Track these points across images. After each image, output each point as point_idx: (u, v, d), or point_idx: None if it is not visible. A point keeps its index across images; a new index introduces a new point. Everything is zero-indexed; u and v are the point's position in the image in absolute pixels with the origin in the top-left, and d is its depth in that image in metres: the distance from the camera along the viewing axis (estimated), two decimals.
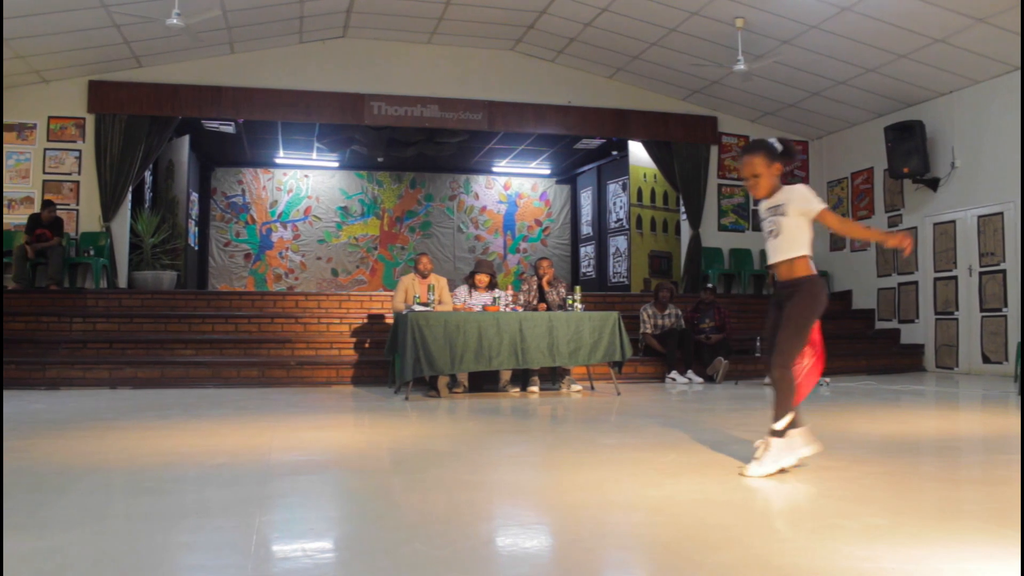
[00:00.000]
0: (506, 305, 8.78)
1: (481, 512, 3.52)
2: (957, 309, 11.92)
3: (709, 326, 10.56)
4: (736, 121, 14.63)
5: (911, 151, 12.08)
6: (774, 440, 4.02)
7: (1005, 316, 11.16)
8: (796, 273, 4.08)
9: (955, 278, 11.99)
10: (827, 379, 10.03)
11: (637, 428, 6.25)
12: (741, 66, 10.89)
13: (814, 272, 4.12)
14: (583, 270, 18.37)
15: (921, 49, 11.00)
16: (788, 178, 4.26)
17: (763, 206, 4.23)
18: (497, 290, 9.13)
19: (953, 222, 11.99)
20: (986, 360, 11.40)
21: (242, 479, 4.04)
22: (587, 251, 18.23)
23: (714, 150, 14.51)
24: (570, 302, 8.78)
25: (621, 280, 16.17)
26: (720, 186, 14.56)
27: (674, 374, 10.17)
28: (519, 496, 3.90)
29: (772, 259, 4.16)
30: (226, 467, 4.36)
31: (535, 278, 9.49)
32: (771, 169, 4.14)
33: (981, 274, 11.58)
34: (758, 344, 10.94)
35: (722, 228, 14.54)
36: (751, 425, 6.19)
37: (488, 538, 3.11)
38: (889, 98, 12.73)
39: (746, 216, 14.70)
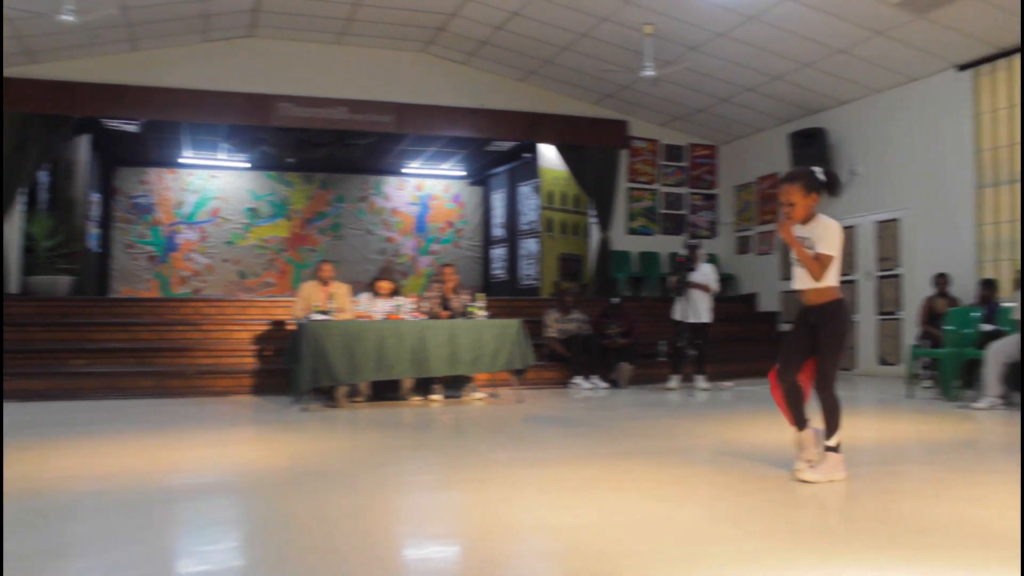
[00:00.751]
0: (409, 313, 8.66)
1: (378, 543, 3.40)
2: (856, 312, 12.20)
3: (616, 331, 10.60)
4: (646, 125, 14.74)
5: (814, 157, 12.25)
6: (830, 454, 4.33)
7: (901, 319, 11.45)
8: (825, 298, 4.33)
9: (855, 282, 12.26)
10: (730, 382, 10.19)
11: (537, 440, 6.22)
12: (650, 72, 10.94)
13: (841, 297, 4.37)
14: (495, 272, 18.32)
15: (824, 59, 11.22)
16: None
17: (796, 231, 4.37)
18: (399, 297, 9.01)
19: (853, 227, 12.26)
20: (883, 362, 11.70)
21: (135, 504, 3.87)
22: (499, 254, 18.19)
23: (624, 154, 14.60)
24: (471, 309, 8.71)
25: (532, 283, 16.18)
26: (630, 189, 14.65)
27: (578, 380, 10.17)
28: (419, 523, 3.83)
29: (798, 285, 4.43)
30: (108, 493, 4.16)
31: (439, 285, 9.40)
32: (807, 199, 4.30)
33: (879, 278, 11.87)
34: (661, 349, 11.06)
35: (631, 231, 14.64)
36: (655, 435, 6.21)
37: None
38: (794, 105, 12.96)
39: (655, 219, 14.82)
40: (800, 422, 4.50)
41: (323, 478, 4.69)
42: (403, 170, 18.24)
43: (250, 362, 10.22)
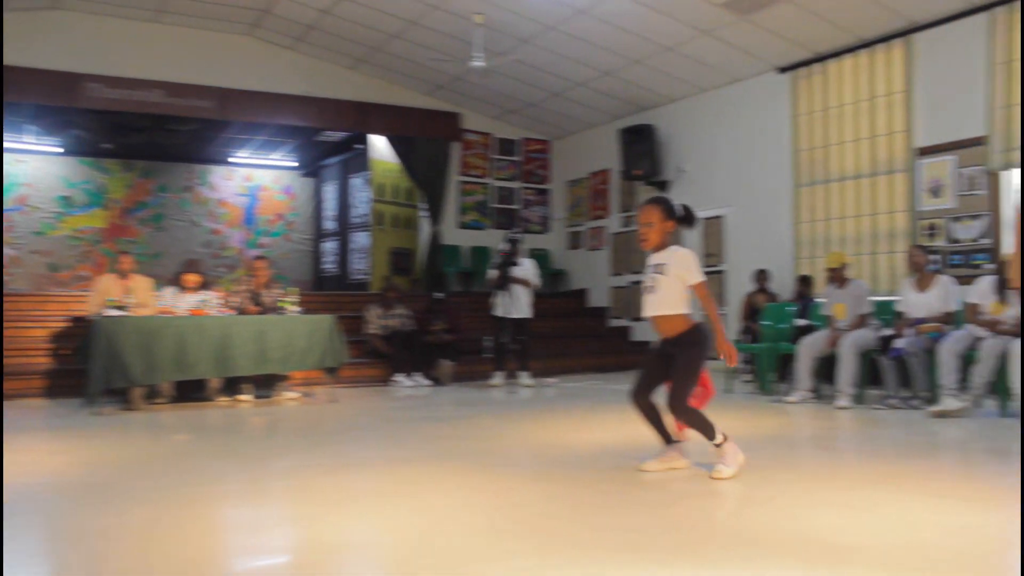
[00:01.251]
0: (216, 308, 8.11)
1: (195, 559, 3.01)
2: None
3: (440, 328, 10.31)
4: (479, 118, 14.52)
5: (643, 154, 12.38)
6: (726, 445, 4.37)
7: (724, 315, 11.64)
8: (678, 329, 4.40)
9: None
10: (554, 379, 10.05)
11: (345, 443, 5.86)
12: (479, 63, 10.69)
13: (694, 323, 4.42)
14: (326, 267, 17.73)
15: (652, 56, 11.25)
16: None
17: (649, 260, 4.50)
18: (206, 292, 8.43)
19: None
20: (711, 357, 11.85)
21: None
22: (330, 247, 17.60)
23: (457, 147, 14.34)
24: (282, 304, 8.24)
25: (362, 277, 15.71)
26: (462, 183, 14.41)
27: (400, 377, 9.83)
28: (234, 536, 3.50)
29: (648, 312, 4.48)
30: None
31: (249, 279, 8.86)
32: (664, 225, 4.42)
33: (705, 274, 12.03)
34: (486, 343, 10.81)
35: (463, 226, 14.42)
36: (470, 436, 5.95)
37: None
38: (625, 102, 13.00)
39: (486, 213, 14.63)
40: (665, 437, 4.56)
41: (112, 490, 4.19)
42: (230, 159, 17.39)
43: (44, 362, 9.40)
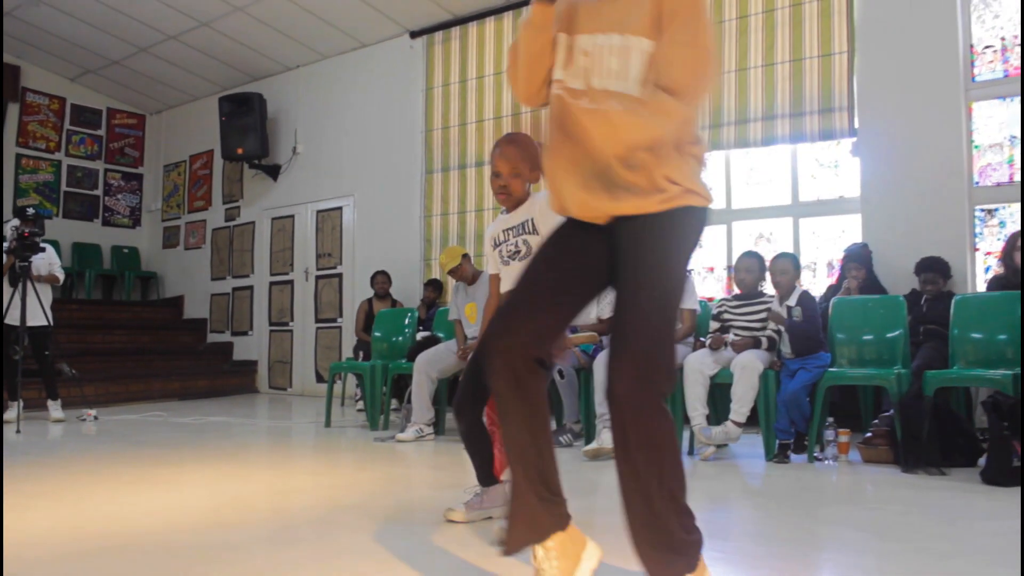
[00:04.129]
0: None
1: None
2: (292, 319, 10.11)
3: None
4: (49, 77, 11.43)
5: (248, 128, 10.04)
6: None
7: (340, 327, 9.56)
8: None
9: (291, 282, 10.17)
10: (92, 411, 7.30)
11: None
12: None
13: None
14: None
15: (261, 2, 8.97)
16: None
17: (499, 226, 3.25)
18: None
19: (292, 217, 10.18)
20: (320, 379, 9.68)
21: None
22: None
23: (14, 109, 11.14)
24: None
25: None
26: (20, 157, 11.22)
27: None
28: None
29: None
30: None
31: None
32: (532, 175, 3.14)
33: (318, 278, 9.89)
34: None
35: (21, 211, 11.19)
36: None
37: None
38: (232, 67, 10.61)
39: (56, 199, 11.53)
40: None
41: None
42: None
43: None
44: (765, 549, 2.83)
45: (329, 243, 9.79)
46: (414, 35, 9.13)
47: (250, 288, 10.69)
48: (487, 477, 3.20)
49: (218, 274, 11.20)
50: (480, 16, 8.53)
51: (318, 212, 9.92)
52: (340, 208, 9.69)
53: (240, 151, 10.01)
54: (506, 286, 3.20)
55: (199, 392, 9.73)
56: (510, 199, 3.17)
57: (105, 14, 9.68)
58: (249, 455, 5.25)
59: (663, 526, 1.90)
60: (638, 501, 1.91)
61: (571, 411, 5.45)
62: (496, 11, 8.42)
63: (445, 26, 8.84)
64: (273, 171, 10.37)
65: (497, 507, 3.09)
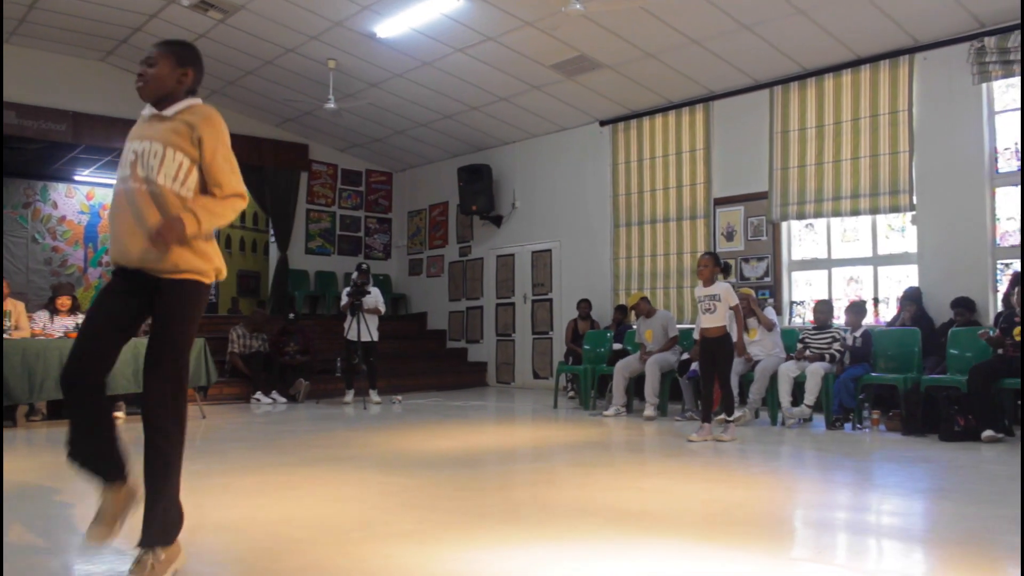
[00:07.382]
0: None
1: (62, 551, 3.80)
2: (514, 331, 13.62)
3: (294, 349, 11.15)
4: (327, 150, 15.40)
5: (479, 191, 13.62)
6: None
7: (551, 338, 12.99)
8: (723, 332, 7.16)
9: (513, 304, 13.69)
10: (399, 396, 11.08)
11: (222, 452, 6.69)
12: (332, 105, 11.66)
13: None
14: None
15: (489, 104, 12.51)
16: None
17: (702, 291, 7.24)
18: (81, 313, 9.01)
19: (512, 255, 13.69)
20: (536, 376, 13.20)
21: None
22: None
23: (304, 176, 15.15)
24: None
25: (210, 298, 16.21)
26: (308, 211, 15.23)
27: (259, 395, 10.64)
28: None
29: (706, 325, 7.20)
30: None
31: None
32: (715, 271, 7.25)
33: (533, 301, 13.37)
34: (338, 364, 11.73)
35: (309, 251, 15.21)
36: (331, 445, 6.88)
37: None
38: (463, 142, 14.22)
39: (332, 240, 15.51)
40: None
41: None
42: (74, 177, 17.49)
43: None
44: (821, 474, 5.96)
45: (542, 275, 13.25)
46: (603, 123, 12.43)
47: (480, 307, 14.32)
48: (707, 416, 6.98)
49: (454, 296, 14.88)
50: (653, 112, 11.72)
51: (532, 252, 13.40)
52: (550, 249, 13.13)
53: (474, 208, 13.62)
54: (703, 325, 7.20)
55: (447, 385, 13.36)
56: (706, 282, 7.13)
57: (375, 111, 13.44)
58: (515, 421, 8.71)
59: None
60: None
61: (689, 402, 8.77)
62: (664, 109, 11.60)
63: (625, 118, 12.10)
64: (497, 220, 13.91)
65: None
